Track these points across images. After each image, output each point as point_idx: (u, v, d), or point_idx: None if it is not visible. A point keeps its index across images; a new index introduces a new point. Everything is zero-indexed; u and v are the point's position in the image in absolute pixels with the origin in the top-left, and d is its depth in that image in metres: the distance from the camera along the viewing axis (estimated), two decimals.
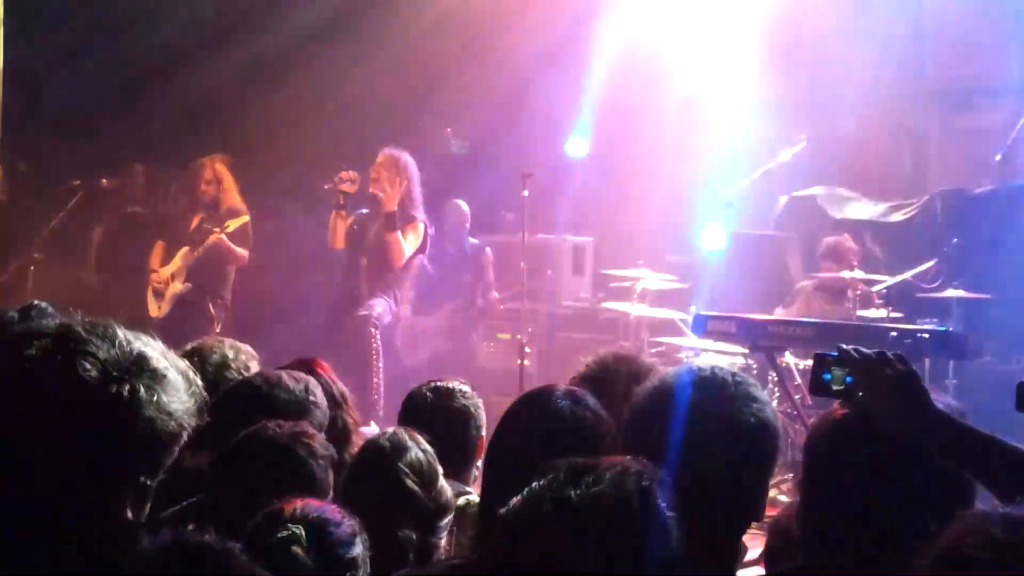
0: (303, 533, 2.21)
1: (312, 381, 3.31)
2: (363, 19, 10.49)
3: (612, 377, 3.31)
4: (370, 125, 10.59)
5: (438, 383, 3.75)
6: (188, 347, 3.61)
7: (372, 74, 10.70)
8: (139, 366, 1.70)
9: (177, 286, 8.61)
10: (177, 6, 10.27)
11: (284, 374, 3.28)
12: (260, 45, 10.28)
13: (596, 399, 2.74)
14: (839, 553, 2.22)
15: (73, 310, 1.99)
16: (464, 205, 9.41)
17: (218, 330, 8.40)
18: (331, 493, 2.74)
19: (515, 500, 1.78)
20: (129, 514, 1.72)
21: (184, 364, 1.79)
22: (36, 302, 4.02)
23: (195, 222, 8.67)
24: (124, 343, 1.71)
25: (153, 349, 1.74)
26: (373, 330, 7.90)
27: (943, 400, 2.38)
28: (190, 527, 1.76)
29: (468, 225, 9.45)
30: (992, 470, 2.26)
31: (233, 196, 8.73)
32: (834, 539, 2.24)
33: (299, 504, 2.29)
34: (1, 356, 1.72)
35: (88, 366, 1.66)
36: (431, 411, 3.60)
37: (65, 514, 1.66)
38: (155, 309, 8.69)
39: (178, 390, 1.73)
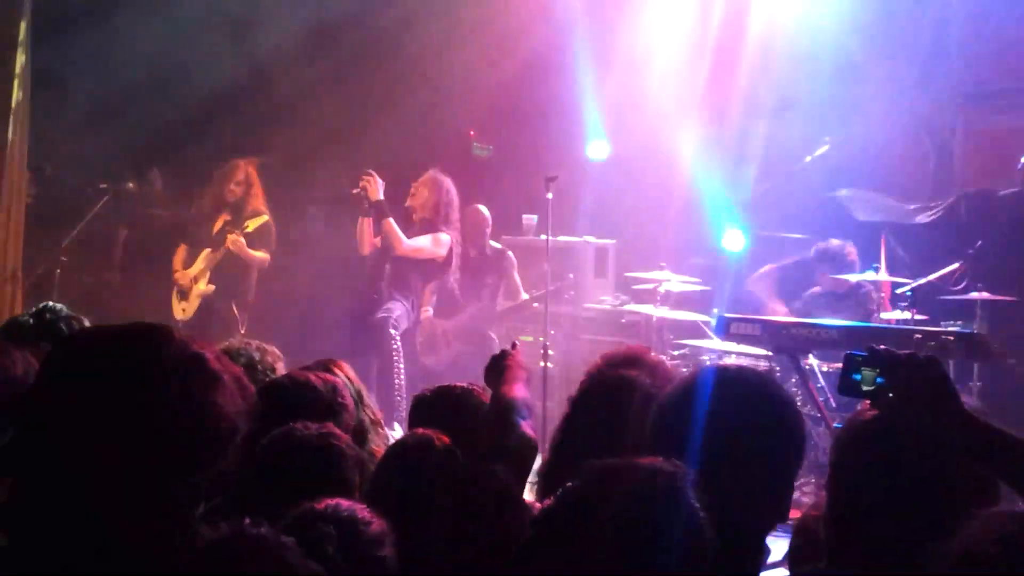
0: (334, 532, 2.23)
1: (339, 383, 3.34)
2: (388, 27, 10.54)
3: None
4: (396, 131, 10.64)
5: (444, 385, 3.79)
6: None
7: (397, 80, 10.75)
8: (197, 368, 1.75)
9: (201, 287, 8.69)
10: (200, 12, 10.32)
11: (312, 375, 3.31)
12: (282, 51, 10.34)
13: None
14: (865, 554, 2.22)
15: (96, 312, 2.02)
16: (484, 209, 9.40)
17: (243, 331, 8.48)
18: (357, 492, 2.77)
19: (548, 501, 1.81)
20: (184, 510, 1.77)
21: (238, 367, 1.84)
22: (50, 304, 4.08)
23: (219, 223, 8.74)
24: (182, 346, 1.77)
25: (209, 352, 1.80)
26: (392, 331, 7.95)
27: (965, 401, 2.37)
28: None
29: (489, 229, 9.44)
30: (1021, 473, 2.25)
31: (259, 201, 8.82)
32: (860, 540, 2.23)
33: (330, 503, 2.32)
34: (61, 356, 1.76)
35: (149, 368, 1.72)
36: (437, 412, 3.62)
37: (121, 512, 1.69)
38: (179, 311, 8.78)
39: (232, 392, 1.78)
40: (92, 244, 10.28)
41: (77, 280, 10.26)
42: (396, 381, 7.91)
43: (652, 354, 3.28)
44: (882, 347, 2.36)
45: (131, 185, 9.90)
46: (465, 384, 3.80)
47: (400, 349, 8.03)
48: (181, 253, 8.94)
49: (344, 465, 2.74)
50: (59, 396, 1.71)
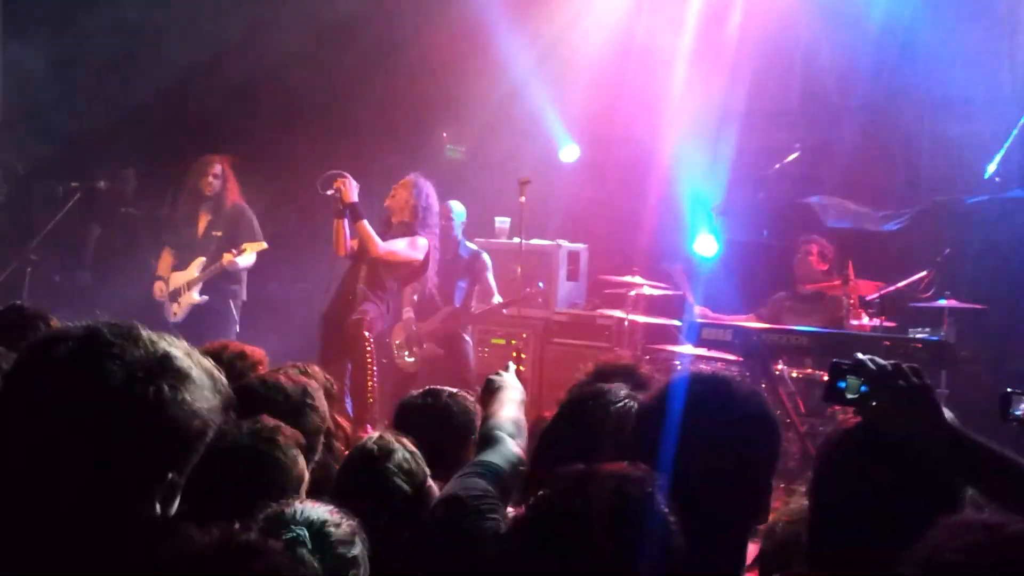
0: (306, 534, 2.24)
1: (312, 384, 3.35)
2: (363, 27, 10.54)
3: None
4: (368, 131, 10.65)
5: (431, 389, 3.82)
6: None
7: (371, 80, 10.75)
8: (163, 366, 1.73)
9: (194, 297, 8.72)
10: (173, 14, 10.29)
11: (282, 377, 3.31)
12: (258, 52, 10.32)
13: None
14: (843, 559, 2.24)
15: (67, 311, 2.01)
16: (456, 205, 9.31)
17: (237, 331, 8.59)
18: (306, 477, 2.77)
19: (520, 511, 1.82)
20: (158, 510, 1.75)
21: (209, 363, 1.82)
22: (17, 303, 4.06)
23: (202, 223, 8.74)
24: (148, 344, 1.74)
25: (177, 349, 1.77)
26: (366, 334, 7.95)
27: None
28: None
29: (460, 227, 9.34)
30: (1000, 486, 2.28)
31: (235, 194, 8.87)
32: (840, 545, 2.25)
33: (299, 505, 2.33)
34: (28, 359, 1.75)
35: (114, 368, 1.69)
36: (424, 416, 3.66)
37: (96, 513, 1.69)
38: (171, 314, 8.86)
39: (203, 388, 1.76)
40: (64, 243, 10.24)
41: (48, 279, 10.22)
42: (369, 383, 7.91)
43: (644, 367, 3.32)
44: (868, 356, 2.38)
45: (102, 184, 9.84)
46: (452, 389, 3.83)
47: (374, 351, 8.03)
48: (166, 257, 8.94)
49: (283, 456, 2.71)
50: (24, 401, 1.70)
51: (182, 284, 8.78)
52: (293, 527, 2.27)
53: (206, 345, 3.73)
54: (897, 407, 2.30)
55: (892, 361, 2.36)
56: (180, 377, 1.74)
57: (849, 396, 2.35)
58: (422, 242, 8.19)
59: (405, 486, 2.96)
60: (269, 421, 2.81)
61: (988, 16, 9.51)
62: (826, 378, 2.43)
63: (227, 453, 2.62)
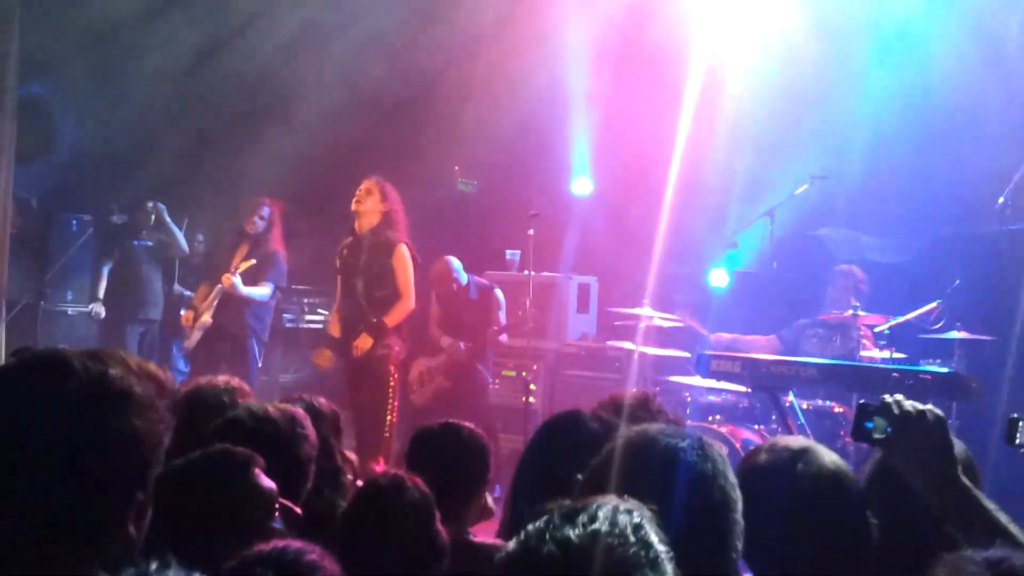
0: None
1: (300, 413, 3.33)
2: (371, 62, 10.62)
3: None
4: (380, 167, 10.70)
5: (449, 423, 3.80)
6: (183, 391, 3.69)
7: (383, 114, 10.81)
8: (102, 389, 1.74)
9: (205, 318, 8.76)
10: (188, 48, 10.38)
11: (270, 407, 3.30)
12: (271, 87, 10.41)
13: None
14: None
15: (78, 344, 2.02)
16: (454, 261, 9.32)
17: (260, 364, 8.63)
18: (272, 498, 2.72)
19: (511, 543, 1.82)
20: (133, 532, 1.78)
21: (152, 368, 1.89)
22: (27, 347, 4.09)
23: (238, 256, 8.80)
24: (83, 370, 1.74)
25: (114, 368, 1.77)
26: (392, 369, 7.95)
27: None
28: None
29: (457, 275, 9.33)
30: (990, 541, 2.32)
31: (277, 241, 8.95)
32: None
33: (278, 545, 2.29)
34: None
35: (50, 401, 1.71)
36: (440, 451, 3.65)
37: (73, 547, 1.70)
38: (191, 341, 8.93)
39: (145, 404, 1.77)
40: (77, 276, 10.30)
41: (60, 312, 10.28)
42: (388, 418, 7.89)
43: (654, 401, 3.32)
44: (895, 398, 2.43)
45: (116, 218, 9.92)
46: (469, 425, 3.80)
47: (397, 387, 8.04)
48: (203, 289, 9.02)
49: (246, 501, 2.63)
50: None
51: (202, 308, 8.85)
52: (265, 569, 2.21)
53: (192, 385, 3.76)
54: (914, 459, 2.35)
55: (919, 407, 2.39)
56: (118, 397, 1.74)
57: (876, 436, 2.40)
58: (404, 251, 8.13)
59: (413, 526, 2.94)
60: (220, 446, 2.76)
61: (998, 49, 9.54)
62: (854, 416, 2.49)
63: (182, 479, 2.60)
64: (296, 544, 2.31)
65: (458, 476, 3.57)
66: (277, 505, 2.68)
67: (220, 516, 2.52)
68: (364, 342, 7.91)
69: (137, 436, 1.74)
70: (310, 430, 3.26)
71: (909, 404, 2.39)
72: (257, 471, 2.67)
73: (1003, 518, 2.34)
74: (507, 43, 10.30)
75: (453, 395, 8.93)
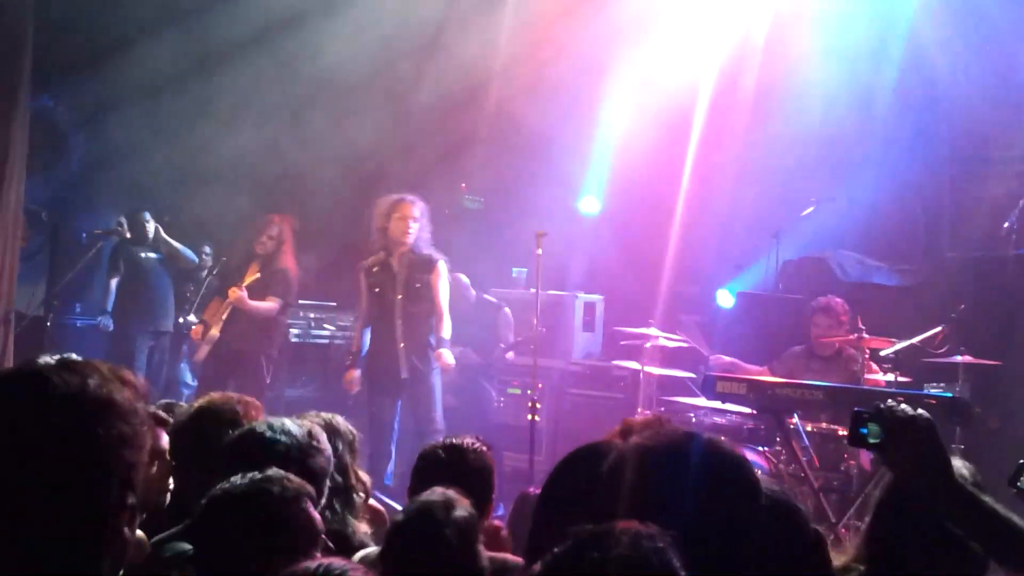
0: None
1: (316, 428, 3.36)
2: (376, 76, 10.68)
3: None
4: (386, 180, 10.73)
5: (452, 441, 3.82)
6: (196, 405, 3.73)
7: (392, 129, 10.85)
8: (78, 402, 1.76)
9: (213, 332, 8.81)
10: (196, 62, 10.44)
11: (288, 421, 3.34)
12: (286, 107, 10.46)
13: None
14: None
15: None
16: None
17: (269, 380, 8.67)
18: (319, 529, 2.75)
19: (536, 568, 1.86)
20: (127, 533, 1.80)
21: (128, 375, 1.86)
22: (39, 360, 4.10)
23: (249, 275, 8.84)
24: (62, 384, 1.76)
25: (93, 377, 1.79)
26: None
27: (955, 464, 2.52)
28: None
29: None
30: (1002, 548, 2.38)
31: (288, 257, 8.98)
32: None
33: (323, 563, 2.33)
34: None
35: (48, 402, 1.73)
36: (444, 468, 3.66)
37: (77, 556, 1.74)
38: (199, 355, 9.01)
39: (126, 408, 1.79)
40: (85, 288, 10.33)
41: (70, 324, 10.31)
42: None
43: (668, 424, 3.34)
44: (888, 404, 2.49)
45: (123, 230, 9.95)
46: (472, 441, 3.82)
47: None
48: (215, 305, 9.05)
49: (285, 519, 2.67)
50: None
51: (212, 324, 8.89)
52: None
53: (203, 400, 3.79)
54: (906, 459, 2.41)
55: (910, 412, 2.45)
56: (103, 405, 1.76)
57: (871, 441, 2.47)
58: (443, 268, 8.29)
59: (459, 544, 2.93)
60: (277, 471, 2.79)
61: (1007, 75, 9.59)
62: (850, 423, 2.55)
63: (231, 502, 2.64)
64: (340, 561, 2.35)
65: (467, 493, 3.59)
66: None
67: (269, 543, 2.54)
68: (450, 358, 8.10)
69: (125, 441, 1.76)
70: (325, 446, 3.29)
71: (901, 409, 2.45)
72: (309, 503, 2.72)
73: (1004, 511, 2.38)
74: (515, 60, 10.35)
75: (457, 413, 8.97)
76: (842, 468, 7.31)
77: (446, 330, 8.12)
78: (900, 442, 2.41)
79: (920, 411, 2.46)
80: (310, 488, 2.78)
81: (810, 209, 9.55)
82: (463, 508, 2.98)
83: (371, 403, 8.21)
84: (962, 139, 9.68)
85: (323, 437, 3.33)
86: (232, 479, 2.69)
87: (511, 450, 8.81)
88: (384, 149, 10.86)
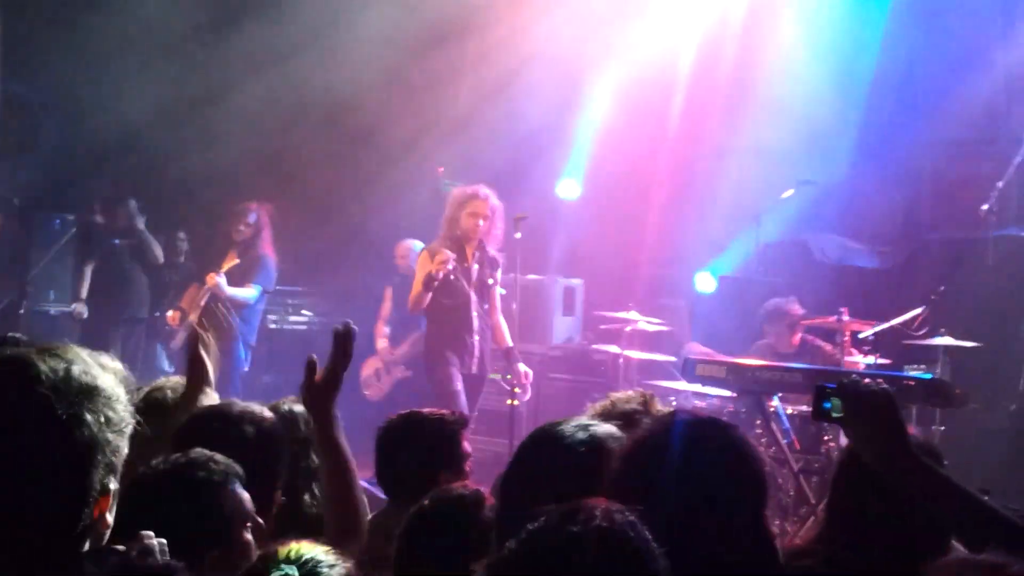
0: (296, 573, 2.23)
1: (269, 415, 3.24)
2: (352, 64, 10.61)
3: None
4: (366, 165, 10.67)
5: (411, 412, 3.79)
6: (147, 388, 3.64)
7: (371, 112, 10.79)
8: (73, 383, 1.76)
9: (193, 318, 8.76)
10: (168, 48, 10.36)
11: (237, 405, 3.23)
12: (262, 90, 10.38)
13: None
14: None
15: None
16: (416, 244, 9.43)
17: (247, 367, 8.64)
18: (245, 511, 2.66)
19: (511, 543, 1.86)
20: (109, 519, 1.82)
21: (115, 364, 1.87)
22: (11, 335, 4.03)
23: (227, 265, 8.76)
24: (49, 371, 1.75)
25: (77, 363, 1.79)
26: None
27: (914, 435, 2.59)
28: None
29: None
30: (960, 518, 2.42)
31: (267, 244, 8.95)
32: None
33: (295, 544, 2.31)
34: None
35: (34, 389, 1.73)
36: (403, 440, 3.66)
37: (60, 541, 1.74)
38: (177, 342, 8.95)
39: (112, 397, 1.80)
40: (59, 275, 10.24)
41: (43, 311, 10.22)
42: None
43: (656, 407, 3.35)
44: (851, 378, 2.57)
45: (98, 217, 9.86)
46: (437, 411, 3.80)
47: None
48: (192, 291, 8.98)
49: (210, 504, 2.57)
50: None
51: (189, 310, 8.83)
52: (283, 565, 2.25)
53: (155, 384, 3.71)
54: (862, 429, 2.48)
55: (871, 387, 2.50)
56: (89, 391, 1.77)
57: (835, 415, 2.52)
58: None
59: (478, 545, 2.87)
60: (201, 452, 2.68)
61: (985, 58, 9.60)
62: (813, 398, 2.59)
63: (152, 487, 2.56)
64: (309, 544, 2.30)
65: (419, 464, 3.57)
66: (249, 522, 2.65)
67: (194, 529, 2.48)
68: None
69: (112, 426, 1.77)
70: (279, 431, 3.17)
71: (863, 384, 2.52)
72: (237, 483, 2.65)
73: (961, 483, 2.42)
74: (500, 46, 10.30)
75: (412, 386, 9.07)
76: (822, 450, 7.30)
77: (509, 337, 8.09)
78: (861, 416, 2.46)
79: (882, 385, 2.51)
80: (238, 468, 2.67)
81: (790, 192, 9.53)
82: (490, 509, 2.87)
83: (444, 376, 7.91)
84: (940, 121, 9.67)
85: (276, 423, 3.21)
86: (154, 462, 2.62)
87: (491, 435, 8.77)
88: (355, 134, 10.79)
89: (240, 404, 3.22)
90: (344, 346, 3.01)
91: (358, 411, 8.04)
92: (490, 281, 8.03)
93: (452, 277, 7.85)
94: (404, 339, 9.70)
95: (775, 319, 8.46)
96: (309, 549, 2.31)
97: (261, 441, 3.07)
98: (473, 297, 7.93)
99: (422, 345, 9.03)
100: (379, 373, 9.72)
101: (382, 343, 9.70)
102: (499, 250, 8.18)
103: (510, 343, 8.08)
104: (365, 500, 3.11)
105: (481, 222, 7.91)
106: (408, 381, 9.54)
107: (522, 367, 8.10)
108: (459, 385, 7.86)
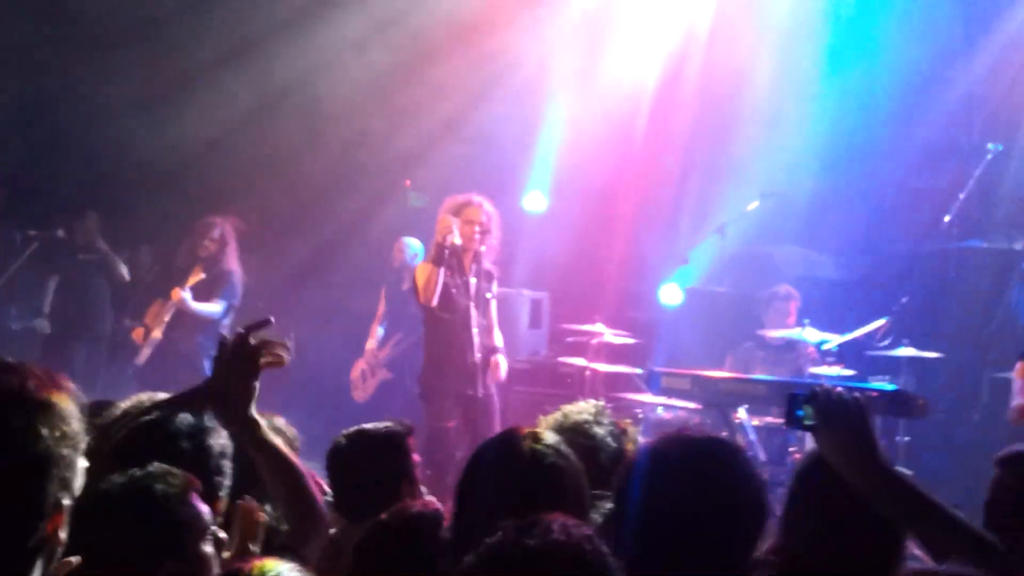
0: None
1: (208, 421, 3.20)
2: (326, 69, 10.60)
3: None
4: (331, 180, 10.65)
5: (359, 429, 3.73)
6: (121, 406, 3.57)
7: (333, 129, 10.77)
8: (27, 399, 1.77)
9: (155, 334, 8.68)
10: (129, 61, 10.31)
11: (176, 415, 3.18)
12: (226, 97, 10.35)
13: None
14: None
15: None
16: (411, 242, 9.50)
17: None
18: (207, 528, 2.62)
19: (469, 558, 1.87)
20: (62, 534, 1.82)
21: (67, 395, 1.84)
22: None
23: (191, 281, 8.67)
24: (6, 381, 1.77)
25: (32, 381, 1.79)
26: None
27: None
28: None
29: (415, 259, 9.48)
30: (926, 528, 2.44)
31: (232, 259, 8.85)
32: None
33: (257, 563, 2.29)
34: None
35: None
36: (351, 458, 3.62)
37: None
38: (141, 358, 8.82)
39: (64, 415, 1.80)
40: (21, 291, 10.14)
41: (5, 327, 10.12)
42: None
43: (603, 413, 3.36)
44: (823, 387, 2.58)
45: (60, 232, 9.76)
46: (381, 424, 3.74)
47: None
48: (156, 307, 8.88)
49: (168, 518, 2.52)
50: None
51: (153, 327, 8.74)
52: None
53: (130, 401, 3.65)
54: (835, 442, 2.48)
55: (843, 396, 2.52)
56: (43, 406, 1.77)
57: (807, 423, 2.54)
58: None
59: (439, 562, 2.84)
60: (159, 466, 2.63)
61: (950, 70, 9.69)
62: (786, 406, 2.63)
63: (109, 503, 2.50)
64: (274, 561, 2.29)
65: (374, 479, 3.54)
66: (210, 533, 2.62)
67: (154, 541, 2.45)
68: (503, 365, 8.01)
69: (65, 442, 1.77)
70: (215, 439, 3.11)
71: (835, 392, 2.54)
72: (195, 496, 2.61)
73: (928, 494, 2.44)
74: (462, 57, 10.30)
75: (394, 388, 9.09)
76: (788, 462, 7.32)
77: (499, 339, 7.99)
78: (833, 424, 2.48)
79: (854, 394, 2.53)
80: (195, 481, 2.63)
81: (755, 204, 9.58)
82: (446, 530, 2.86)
83: (438, 410, 7.77)
84: (902, 134, 9.75)
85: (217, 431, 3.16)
86: (111, 477, 2.57)
87: (457, 448, 8.74)
88: (324, 148, 10.78)
89: (182, 417, 3.15)
90: (235, 351, 2.98)
91: (349, 414, 8.09)
92: (488, 295, 7.91)
93: (453, 291, 7.71)
94: (389, 340, 9.68)
95: (782, 301, 8.49)
96: (275, 565, 2.29)
97: (198, 455, 3.00)
98: (473, 312, 7.76)
99: (405, 347, 9.07)
100: (364, 375, 9.67)
101: (370, 343, 9.64)
102: (494, 262, 8.06)
103: (499, 344, 8.00)
104: (316, 489, 3.08)
105: (477, 228, 7.74)
106: (391, 383, 9.51)
107: (502, 360, 7.96)
108: (450, 423, 7.73)
